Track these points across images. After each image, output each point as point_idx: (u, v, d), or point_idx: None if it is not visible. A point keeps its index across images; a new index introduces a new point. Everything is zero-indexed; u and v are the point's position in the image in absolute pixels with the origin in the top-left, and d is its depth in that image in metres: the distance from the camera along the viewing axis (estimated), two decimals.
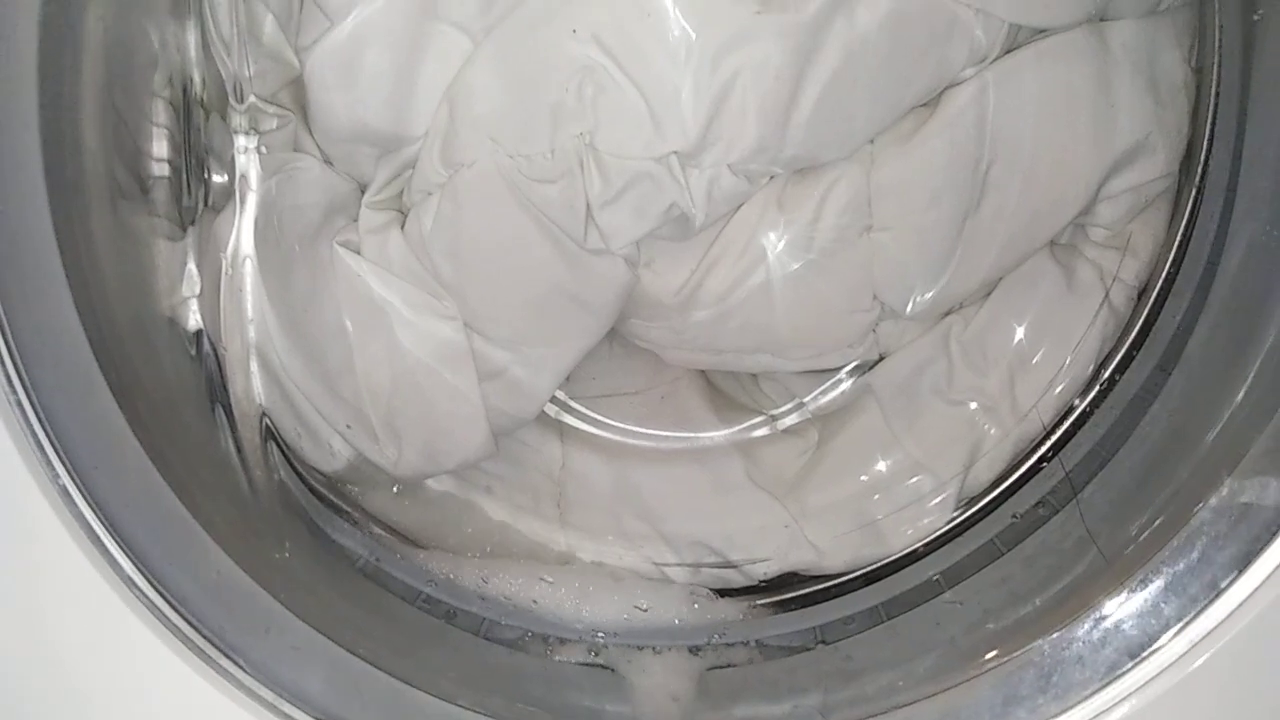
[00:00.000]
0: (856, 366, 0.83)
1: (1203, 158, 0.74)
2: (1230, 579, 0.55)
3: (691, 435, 0.84)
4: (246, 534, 0.58)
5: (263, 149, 0.70)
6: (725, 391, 0.87)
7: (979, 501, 0.79)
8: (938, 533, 0.78)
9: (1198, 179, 0.74)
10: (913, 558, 0.78)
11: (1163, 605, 0.56)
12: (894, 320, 0.80)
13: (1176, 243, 0.76)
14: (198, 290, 0.66)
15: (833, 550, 0.79)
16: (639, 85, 0.69)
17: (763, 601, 0.78)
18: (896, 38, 0.70)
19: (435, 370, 0.73)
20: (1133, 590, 0.57)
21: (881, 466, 0.80)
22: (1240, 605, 0.54)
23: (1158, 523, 0.60)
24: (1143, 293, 0.78)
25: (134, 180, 0.66)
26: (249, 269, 0.68)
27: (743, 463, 0.82)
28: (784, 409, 0.86)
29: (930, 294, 0.77)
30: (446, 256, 0.73)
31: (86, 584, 0.49)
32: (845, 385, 0.84)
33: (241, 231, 0.68)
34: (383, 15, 0.69)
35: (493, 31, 0.70)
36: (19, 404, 0.48)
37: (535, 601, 0.72)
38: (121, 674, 0.50)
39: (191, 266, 0.66)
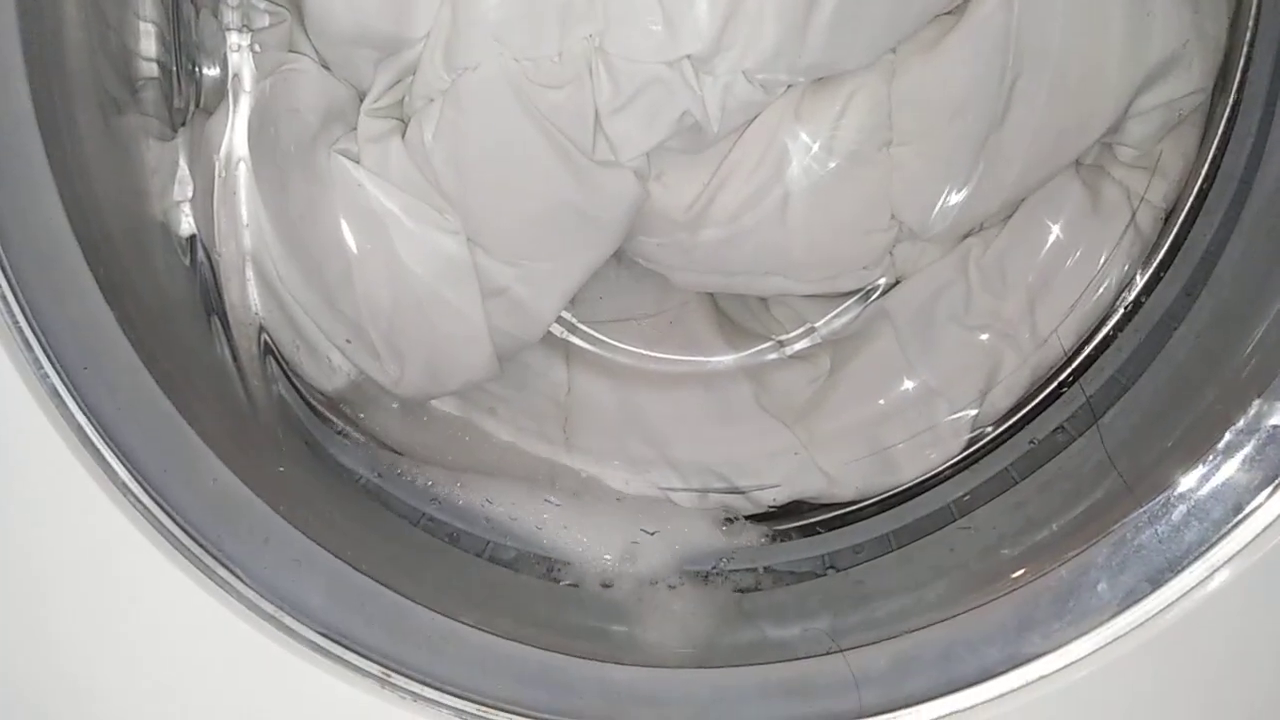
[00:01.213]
0: (871, 291, 0.81)
1: (1240, 69, 0.71)
2: (1255, 503, 0.53)
3: (700, 359, 0.83)
4: (244, 445, 0.56)
5: (256, 47, 0.67)
6: (735, 317, 0.85)
7: (997, 428, 0.77)
8: (952, 460, 0.77)
9: (1234, 92, 0.71)
10: (925, 486, 0.77)
11: (1184, 530, 0.55)
12: (911, 242, 0.78)
13: (1209, 160, 0.73)
14: (190, 194, 0.63)
15: (843, 477, 0.77)
16: None
17: (771, 528, 0.77)
18: None
19: (437, 287, 0.70)
20: (1154, 515, 0.55)
21: (895, 393, 0.78)
22: (1265, 529, 0.53)
23: (1182, 447, 0.58)
24: (1170, 214, 0.75)
25: (122, 81, 0.63)
26: (243, 172, 0.65)
27: (752, 388, 0.81)
28: (795, 334, 0.84)
29: (950, 213, 0.74)
30: (449, 166, 0.70)
31: (78, 488, 0.47)
32: (859, 310, 0.81)
33: (235, 133, 0.65)
34: None
35: None
36: (3, 299, 0.46)
37: (539, 527, 0.71)
38: (116, 581, 0.49)
39: (183, 169, 0.64)
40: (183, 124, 0.65)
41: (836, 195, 0.74)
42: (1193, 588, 0.53)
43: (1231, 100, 0.72)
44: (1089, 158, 0.77)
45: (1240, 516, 0.53)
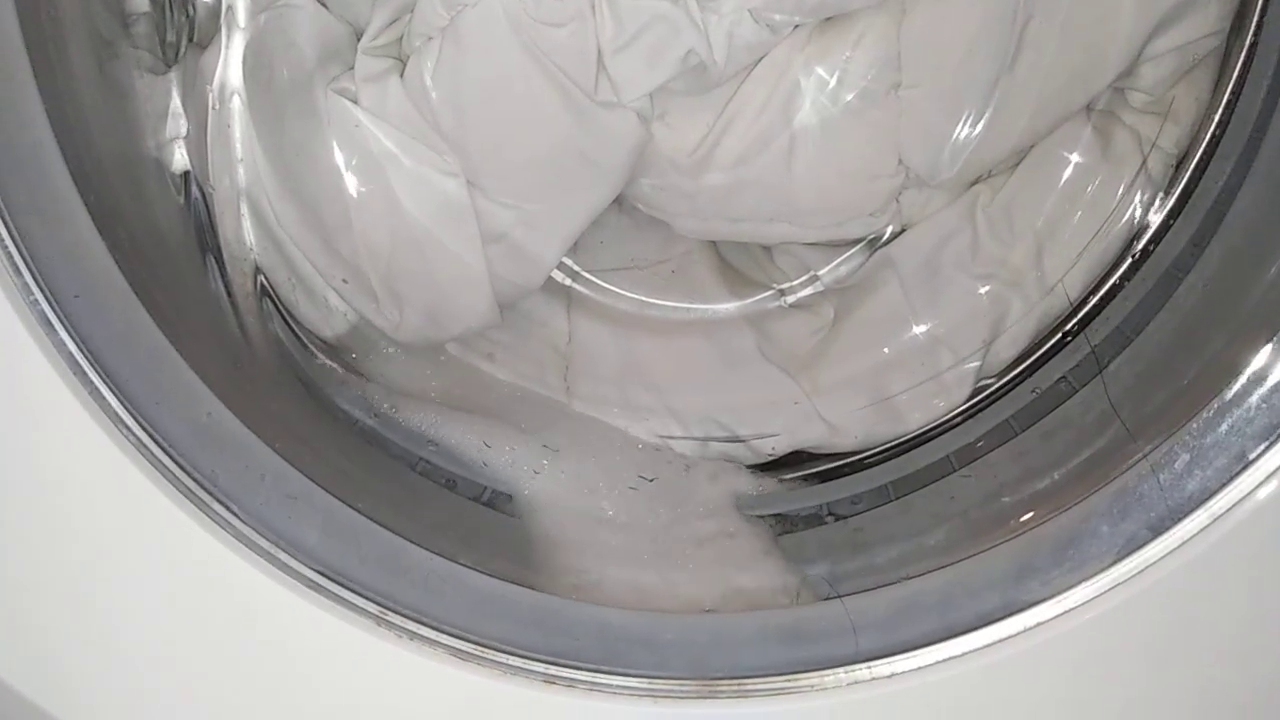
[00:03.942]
0: (876, 239, 0.80)
1: (1259, 8, 0.69)
2: (1258, 450, 0.53)
3: (702, 307, 0.82)
4: (239, 381, 0.56)
5: None
6: (738, 266, 0.84)
7: (1000, 379, 0.76)
8: (956, 410, 0.76)
9: (1251, 34, 0.70)
10: (927, 436, 0.76)
11: (1187, 478, 0.54)
12: (918, 189, 0.77)
13: (1223, 105, 0.71)
14: (183, 129, 0.62)
15: (846, 427, 0.77)
16: None
17: (772, 477, 0.77)
18: None
19: (436, 230, 0.69)
20: (1157, 463, 0.55)
21: (899, 342, 0.77)
22: (1268, 478, 0.52)
23: (1186, 395, 0.57)
24: (1182, 160, 0.74)
25: (114, 13, 0.62)
26: (237, 106, 0.64)
27: (754, 337, 0.80)
28: (798, 282, 0.83)
29: (959, 157, 0.73)
30: (448, 106, 0.69)
31: (70, 418, 0.46)
32: (864, 258, 0.80)
33: (229, 66, 0.64)
34: None
35: None
36: (12, 261, 0.46)
37: (536, 472, 0.71)
38: (110, 514, 0.48)
39: (176, 104, 0.63)
40: (176, 59, 0.63)
41: (843, 139, 0.73)
42: (1194, 535, 0.53)
43: (1247, 43, 0.70)
44: (1100, 102, 0.76)
45: (1243, 465, 0.53)
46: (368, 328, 0.72)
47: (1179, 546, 0.53)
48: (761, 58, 0.71)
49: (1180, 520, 0.53)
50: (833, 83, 0.72)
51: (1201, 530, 0.53)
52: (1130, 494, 0.55)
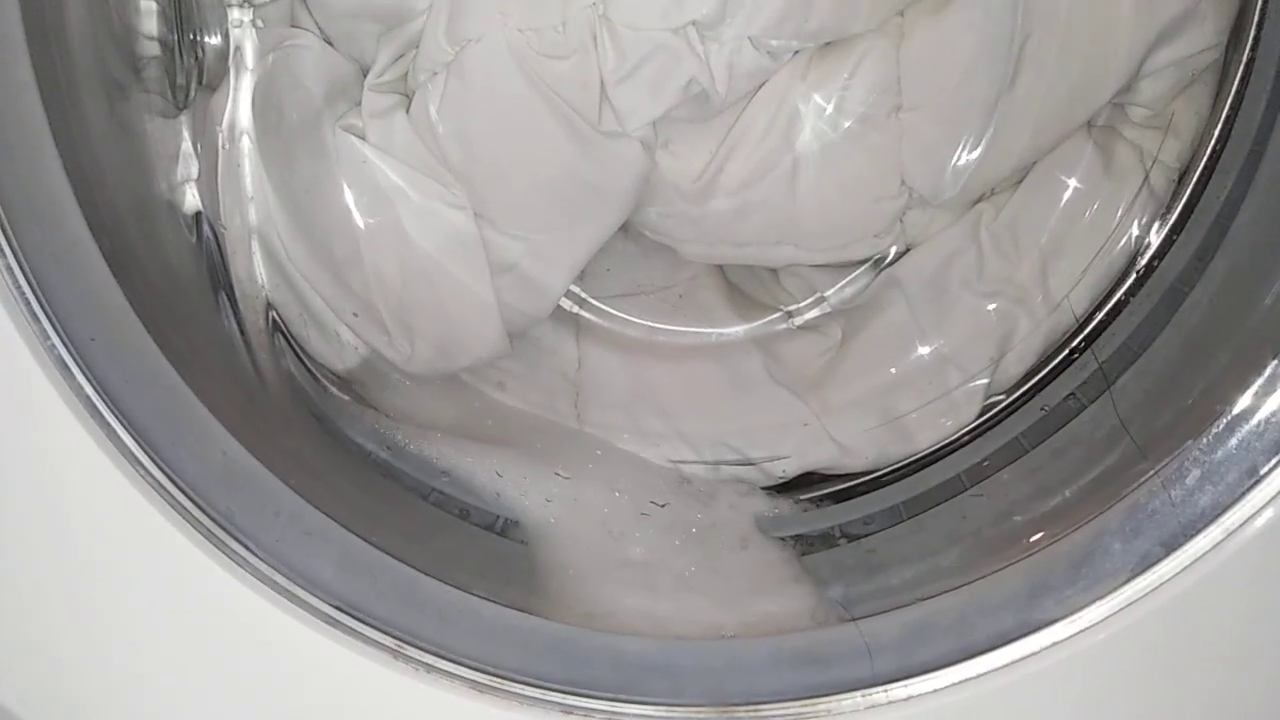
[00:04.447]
0: (882, 259, 0.80)
1: (1255, 23, 0.70)
2: (1270, 465, 0.53)
3: (710, 331, 0.82)
4: (253, 418, 0.56)
5: (258, 23, 0.67)
6: (744, 289, 0.85)
7: (1009, 396, 0.76)
8: (966, 429, 0.76)
9: (1248, 49, 0.70)
10: (937, 455, 0.76)
11: (1199, 494, 0.54)
12: (922, 209, 0.77)
13: (1223, 119, 0.72)
14: (195, 171, 0.63)
15: (856, 447, 0.77)
16: None
17: (780, 501, 0.77)
18: None
19: (445, 263, 0.70)
20: (1168, 479, 0.55)
21: (908, 361, 0.77)
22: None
23: (1195, 410, 0.57)
24: (1184, 174, 0.74)
25: (124, 59, 0.63)
26: (246, 146, 0.65)
27: (762, 359, 0.80)
28: (805, 304, 0.83)
29: (961, 177, 0.74)
30: (454, 140, 0.70)
31: (88, 460, 0.47)
32: (870, 279, 0.81)
33: (238, 107, 0.65)
34: None
35: None
36: (8, 269, 0.46)
37: (548, 500, 0.71)
38: (128, 554, 0.49)
39: (187, 146, 0.64)
40: (186, 101, 0.64)
41: (846, 162, 0.74)
42: (1208, 551, 0.53)
43: (1245, 57, 0.70)
44: (1101, 118, 0.76)
45: (1255, 480, 0.53)
46: (379, 360, 0.73)
47: (1193, 563, 0.53)
48: (762, 84, 0.72)
49: (1193, 536, 0.53)
50: (833, 107, 0.72)
51: (1215, 546, 0.53)
52: (1142, 510, 0.55)
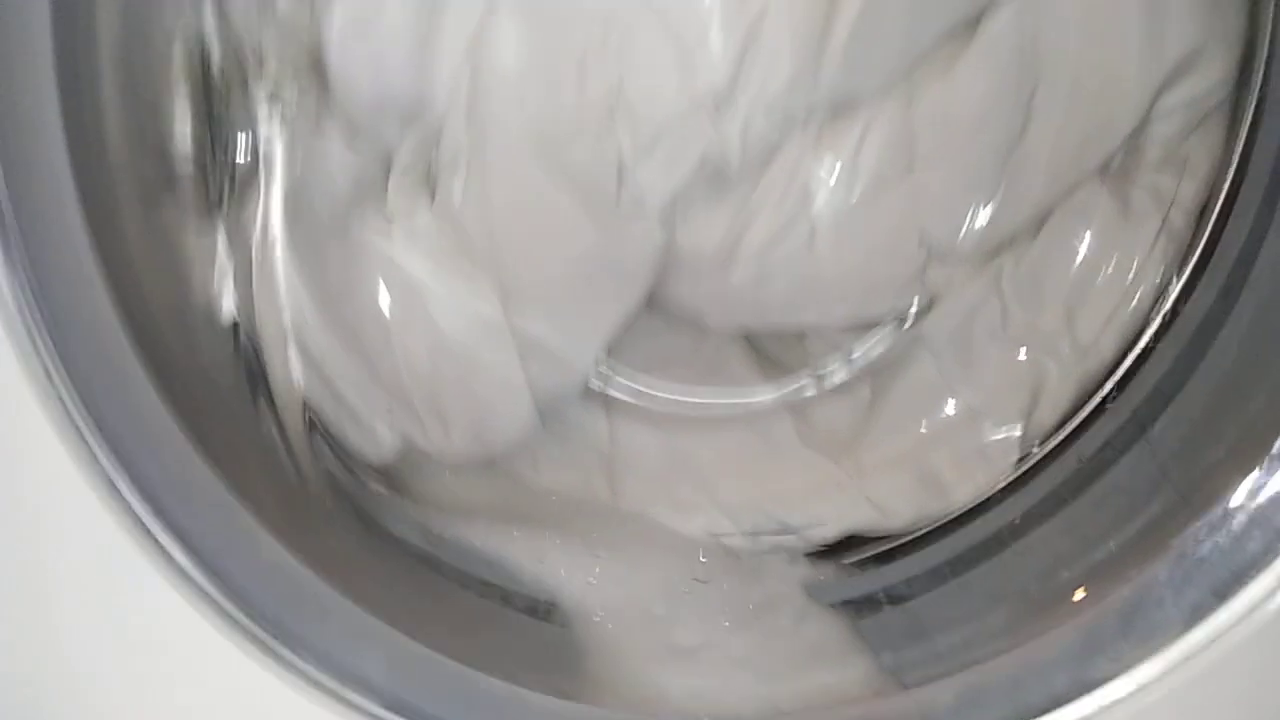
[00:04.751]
0: (905, 317, 0.81)
1: (1263, 64, 0.70)
2: None
3: (740, 400, 0.82)
4: (297, 521, 0.57)
5: (286, 128, 0.69)
6: (770, 352, 0.85)
7: (1044, 447, 0.76)
8: (1003, 482, 0.75)
9: (1258, 88, 0.71)
10: (976, 512, 0.75)
11: (1247, 540, 0.53)
12: (942, 264, 0.78)
13: (1236, 159, 0.72)
14: (230, 277, 0.65)
15: (893, 507, 0.76)
16: (666, 28, 0.67)
17: (823, 566, 0.77)
18: None
19: (475, 352, 0.71)
20: (1213, 526, 0.54)
21: (939, 417, 0.77)
22: None
23: (1235, 454, 0.57)
24: (1202, 215, 0.74)
25: (160, 169, 0.65)
26: (279, 252, 0.67)
27: (793, 424, 0.80)
28: (832, 365, 0.83)
29: (979, 230, 0.74)
30: (478, 227, 0.72)
31: (140, 576, 0.48)
32: (894, 336, 0.81)
33: (270, 212, 0.67)
34: None
35: None
36: (59, 398, 0.48)
37: (591, 581, 0.71)
38: (181, 665, 0.49)
39: (222, 253, 0.65)
40: (219, 208, 0.66)
41: (864, 223, 0.74)
42: (1263, 599, 0.52)
43: (1256, 95, 0.71)
44: (1115, 162, 0.76)
45: None
46: (416, 452, 0.74)
47: (1249, 612, 0.52)
48: (776, 153, 0.73)
49: (1246, 583, 0.52)
50: (848, 169, 0.73)
51: (1269, 593, 0.52)
52: (1190, 559, 0.54)
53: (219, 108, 0.66)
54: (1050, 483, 0.73)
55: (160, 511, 0.49)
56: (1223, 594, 0.53)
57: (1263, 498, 0.54)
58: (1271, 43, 0.70)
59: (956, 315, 0.78)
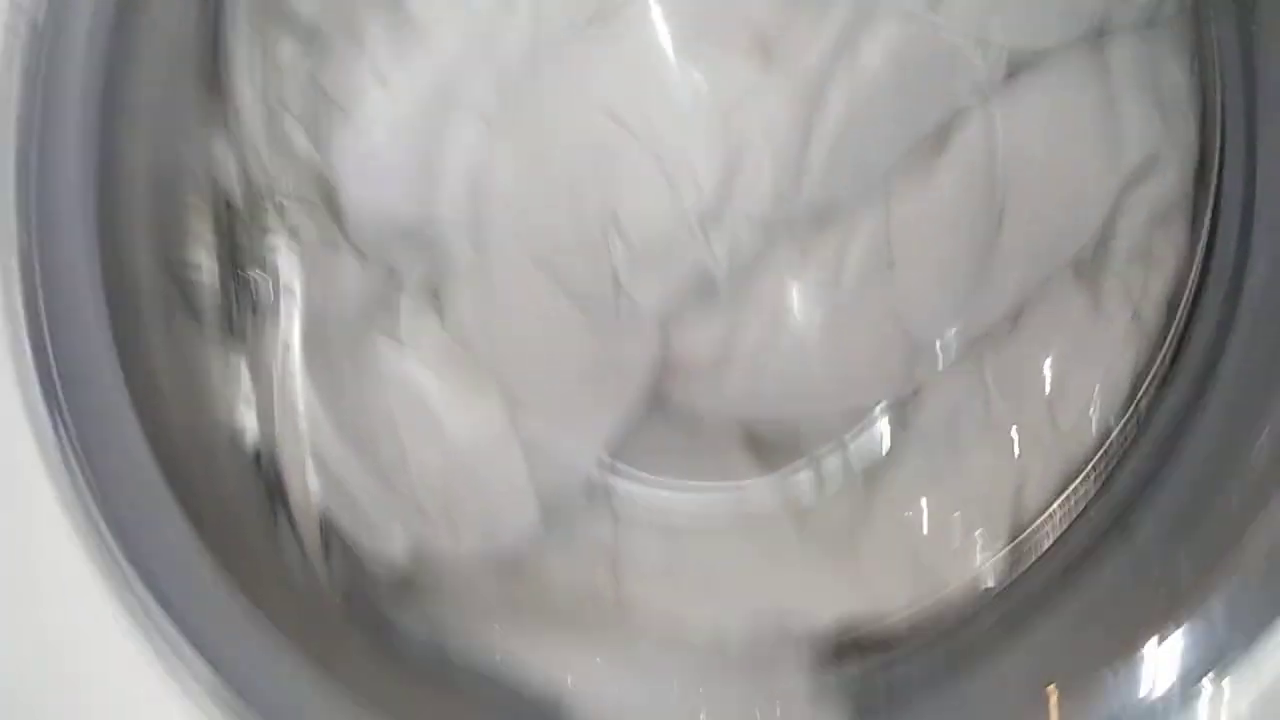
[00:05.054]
0: (893, 405, 0.84)
1: (1216, 172, 0.74)
2: None
3: (737, 495, 0.84)
4: (321, 637, 0.59)
5: (300, 251, 0.72)
6: (767, 440, 0.87)
7: (1027, 540, 0.78)
8: (992, 579, 0.77)
9: (1213, 193, 0.75)
10: (971, 613, 0.77)
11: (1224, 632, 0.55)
12: (926, 356, 0.81)
13: (1200, 257, 0.76)
14: (251, 399, 0.68)
15: (890, 598, 0.78)
16: (654, 153, 0.71)
17: (822, 669, 0.77)
18: (900, 76, 0.73)
19: (484, 459, 0.74)
20: (1192, 622, 0.56)
21: (928, 507, 0.80)
22: None
23: (1213, 550, 0.59)
24: (1171, 308, 0.78)
25: (183, 295, 0.68)
26: (298, 372, 0.70)
27: (790, 516, 0.83)
28: (826, 449, 0.86)
29: (957, 323, 0.78)
30: (482, 336, 0.75)
31: (173, 704, 0.50)
32: (883, 426, 0.84)
33: (286, 330, 0.70)
34: (402, 107, 0.71)
35: (508, 115, 0.73)
36: (98, 531, 0.50)
37: (599, 683, 0.72)
38: None
39: (244, 376, 0.68)
40: (240, 332, 0.69)
41: (849, 321, 0.78)
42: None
43: (1212, 201, 0.75)
44: (1086, 255, 0.80)
45: None
46: (429, 557, 0.76)
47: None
48: (762, 258, 0.77)
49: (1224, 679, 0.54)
50: (831, 272, 0.77)
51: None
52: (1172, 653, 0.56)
53: (238, 241, 0.69)
54: (1036, 580, 0.75)
55: (200, 647, 0.51)
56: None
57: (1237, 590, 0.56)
58: (1222, 151, 0.74)
59: (943, 406, 0.81)
